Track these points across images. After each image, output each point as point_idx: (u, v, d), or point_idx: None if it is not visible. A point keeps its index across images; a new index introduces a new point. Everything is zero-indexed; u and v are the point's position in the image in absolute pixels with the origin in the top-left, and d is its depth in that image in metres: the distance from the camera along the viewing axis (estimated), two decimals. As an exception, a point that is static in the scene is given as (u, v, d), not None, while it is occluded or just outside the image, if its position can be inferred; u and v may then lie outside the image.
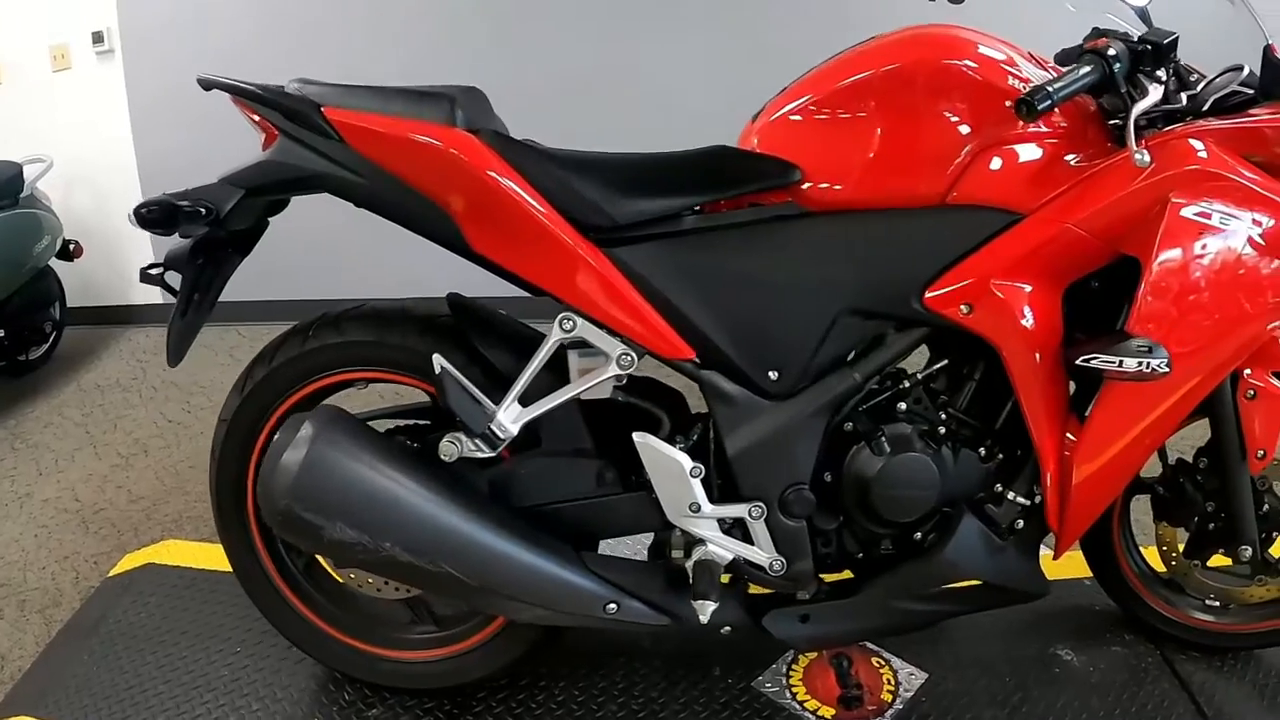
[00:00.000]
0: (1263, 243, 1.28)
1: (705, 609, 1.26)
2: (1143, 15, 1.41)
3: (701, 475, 1.29)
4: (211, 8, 3.22)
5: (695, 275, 1.25)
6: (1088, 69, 1.17)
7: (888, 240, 1.25)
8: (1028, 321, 1.26)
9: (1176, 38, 1.26)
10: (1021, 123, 1.17)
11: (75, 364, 3.31)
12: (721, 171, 1.26)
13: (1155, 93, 1.21)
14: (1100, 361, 1.22)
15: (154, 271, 1.34)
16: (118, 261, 3.59)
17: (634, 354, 1.25)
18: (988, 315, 1.25)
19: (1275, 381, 1.44)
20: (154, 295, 3.25)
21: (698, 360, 1.27)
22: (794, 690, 1.57)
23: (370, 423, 1.36)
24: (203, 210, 1.27)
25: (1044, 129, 1.27)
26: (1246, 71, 1.34)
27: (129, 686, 1.53)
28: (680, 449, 1.29)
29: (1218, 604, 1.68)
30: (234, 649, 1.59)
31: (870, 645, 1.66)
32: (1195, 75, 1.37)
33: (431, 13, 3.32)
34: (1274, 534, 1.58)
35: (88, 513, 2.24)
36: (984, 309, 1.25)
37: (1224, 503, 1.52)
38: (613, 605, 1.29)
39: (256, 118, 1.30)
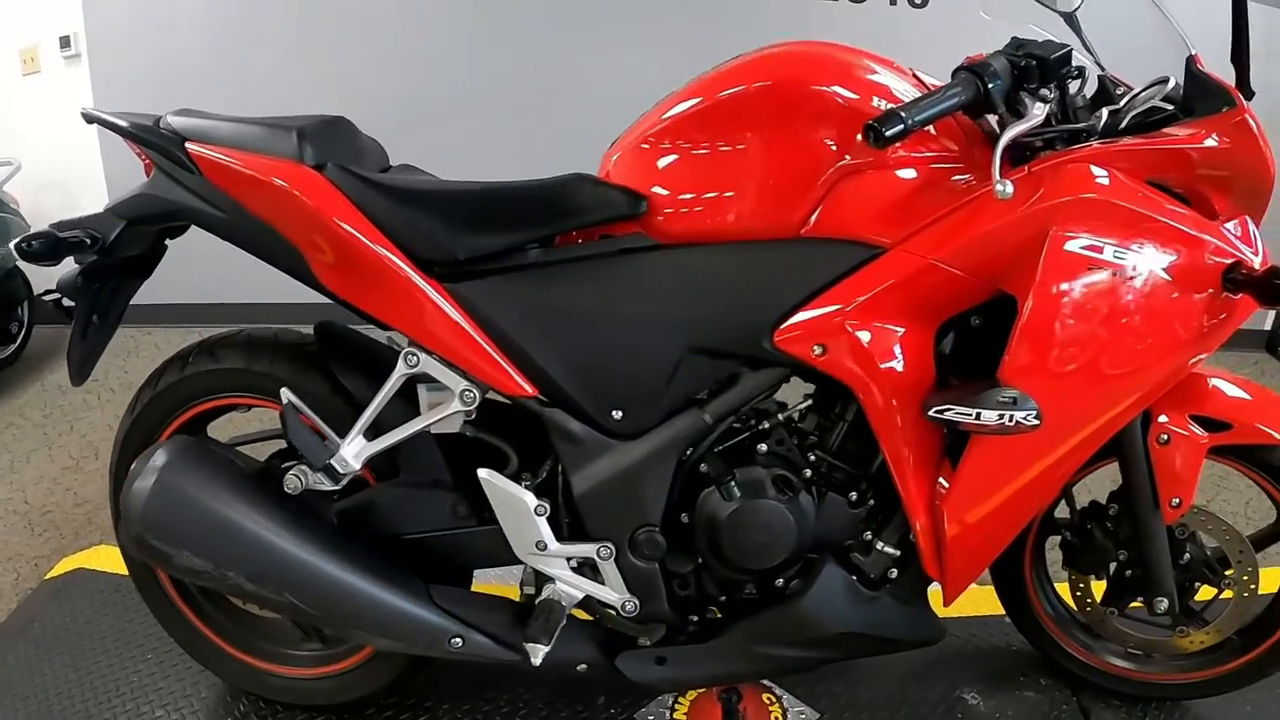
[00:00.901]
0: (1168, 277, 1.18)
1: (536, 652, 1.25)
2: (1071, 23, 1.32)
3: (546, 514, 1.27)
4: (177, 13, 3.28)
5: (536, 310, 1.23)
6: (955, 89, 1.09)
7: (736, 275, 1.20)
8: (888, 364, 1.19)
9: (1069, 51, 1.16)
10: (886, 149, 1.08)
11: (41, 364, 3.37)
12: (568, 202, 1.23)
13: (1036, 113, 1.11)
14: (955, 414, 1.15)
15: (49, 299, 1.40)
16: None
17: (476, 390, 1.24)
18: (842, 357, 1.19)
19: (1194, 426, 1.34)
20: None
21: (541, 397, 1.25)
22: (674, 722, 1.55)
23: (265, 443, 1.39)
24: (87, 240, 1.31)
25: (917, 154, 1.19)
26: (1171, 85, 1.24)
27: (45, 690, 1.60)
28: (527, 486, 1.27)
29: (1140, 652, 1.58)
30: (145, 656, 1.66)
31: (765, 680, 1.62)
32: (1122, 89, 1.28)
33: (401, 13, 3.32)
34: (1196, 584, 1.48)
35: (35, 515, 2.31)
36: (838, 350, 1.18)
37: (1137, 553, 1.43)
38: (458, 640, 1.29)
39: (137, 150, 1.34)
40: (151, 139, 1.28)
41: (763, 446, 1.29)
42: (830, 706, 1.59)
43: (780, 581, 1.33)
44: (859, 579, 1.32)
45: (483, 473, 1.26)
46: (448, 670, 1.60)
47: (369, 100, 3.24)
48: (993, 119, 1.20)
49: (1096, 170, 1.17)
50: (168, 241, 1.44)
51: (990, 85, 1.10)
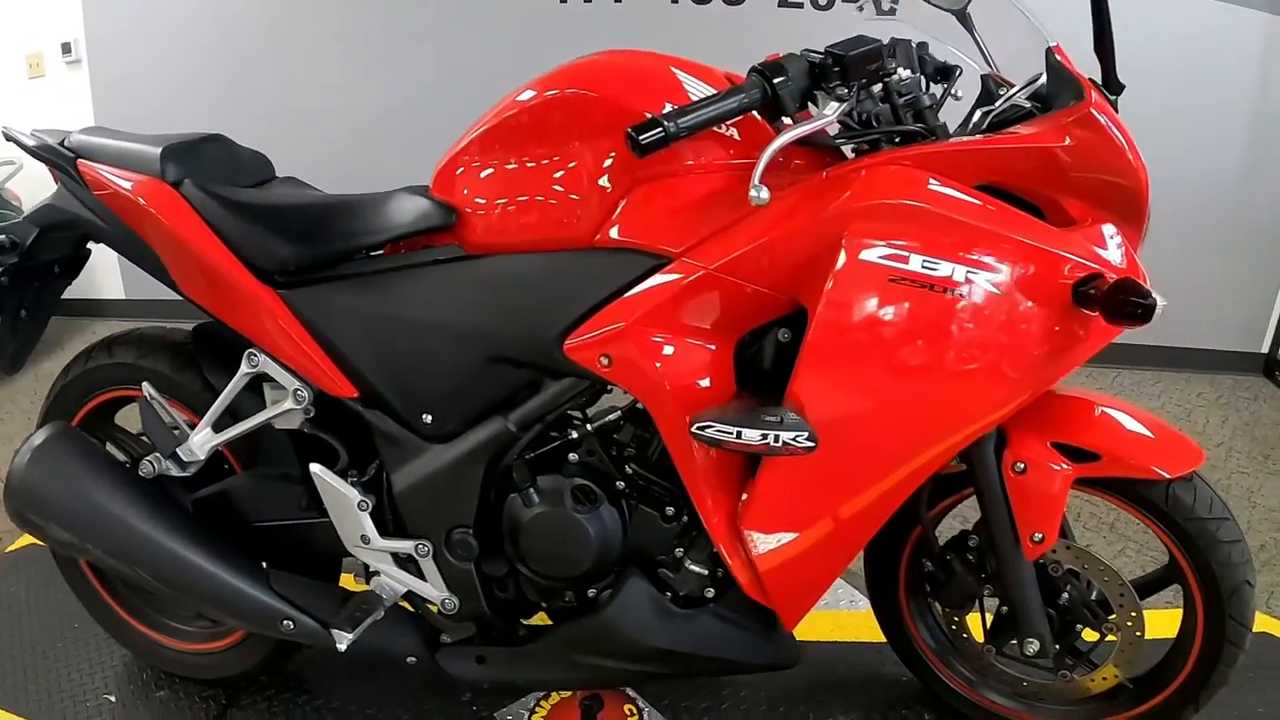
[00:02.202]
0: (996, 290, 1.09)
1: (341, 639, 1.30)
2: (964, 21, 1.25)
3: (369, 509, 1.33)
4: (174, 19, 3.38)
5: (356, 316, 1.29)
6: (737, 93, 1.04)
7: (531, 285, 1.21)
8: (677, 377, 1.17)
9: (876, 49, 1.09)
10: (646, 156, 1.03)
11: (38, 353, 3.43)
12: (390, 215, 1.28)
13: (826, 114, 1.05)
14: (716, 432, 1.10)
15: None
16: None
17: (306, 391, 1.32)
18: (627, 368, 1.17)
19: (1056, 455, 1.25)
20: (118, 290, 3.53)
21: (361, 399, 1.32)
22: (533, 728, 1.58)
23: None
24: (7, 244, 1.48)
25: (719, 161, 1.15)
26: (1042, 81, 1.17)
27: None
28: (353, 482, 1.34)
29: (1030, 694, 1.49)
30: (73, 625, 1.81)
31: (631, 691, 1.63)
32: (1004, 88, 1.21)
33: (394, 12, 3.32)
34: (1077, 625, 1.39)
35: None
36: (623, 361, 1.16)
37: (1002, 590, 1.36)
38: (289, 623, 1.37)
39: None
40: (51, 157, 1.42)
41: (573, 456, 1.30)
42: (691, 724, 1.58)
43: (593, 592, 1.34)
44: (671, 596, 1.31)
45: (313, 467, 1.34)
46: (330, 656, 1.69)
47: (362, 104, 3.31)
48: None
49: (904, 173, 1.09)
50: (91, 246, 1.60)
51: (779, 86, 1.04)
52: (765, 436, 1.09)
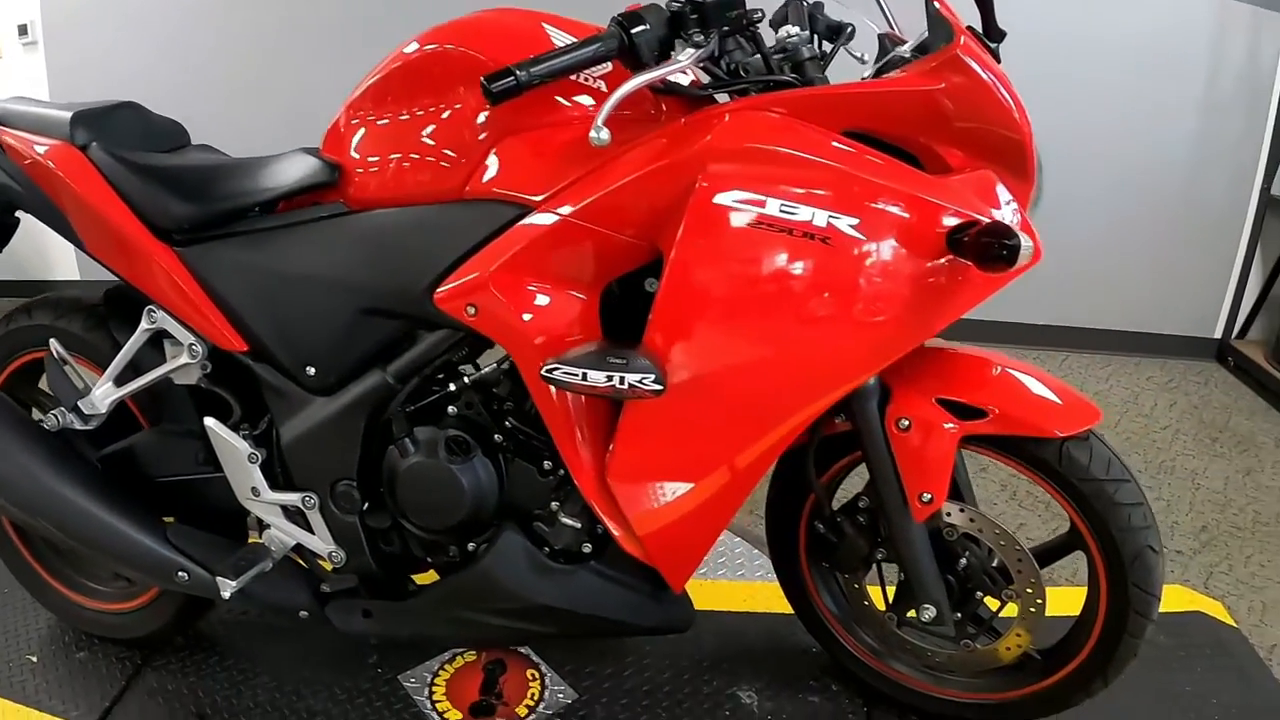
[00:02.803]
0: (861, 236, 1.07)
1: (225, 586, 1.33)
2: None
3: (259, 461, 1.36)
4: (132, 1, 3.35)
5: (246, 272, 1.32)
6: (593, 41, 1.05)
7: (403, 237, 1.23)
8: (539, 325, 1.17)
9: None
10: (501, 103, 1.04)
11: None
12: (280, 173, 1.31)
13: (680, 59, 1.05)
14: (562, 374, 1.11)
15: None
16: (39, 241, 3.77)
17: (201, 345, 1.36)
18: (491, 318, 1.18)
19: (942, 412, 1.22)
20: (72, 271, 3.52)
21: (250, 353, 1.35)
22: (434, 689, 1.58)
23: None
24: None
25: (583, 111, 1.16)
26: (925, 33, 1.17)
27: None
28: (245, 436, 1.37)
29: (938, 664, 1.46)
30: (3, 590, 1.85)
31: (535, 656, 1.64)
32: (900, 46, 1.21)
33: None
34: (977, 593, 1.37)
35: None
36: (487, 311, 1.18)
37: (894, 554, 1.35)
38: (183, 574, 1.40)
39: None
40: None
41: (452, 409, 1.31)
42: (593, 690, 1.58)
43: (472, 546, 1.36)
44: (549, 551, 1.32)
45: (208, 421, 1.37)
46: (235, 624, 1.73)
47: (320, 85, 3.28)
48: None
49: (764, 118, 1.09)
50: (20, 216, 1.65)
51: (636, 35, 1.05)
52: (611, 379, 1.09)
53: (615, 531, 1.27)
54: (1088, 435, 1.26)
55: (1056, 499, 1.30)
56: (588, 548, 1.33)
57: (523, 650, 1.66)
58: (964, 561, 1.35)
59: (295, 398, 1.34)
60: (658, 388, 1.10)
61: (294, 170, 1.30)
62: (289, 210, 1.34)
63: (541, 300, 1.18)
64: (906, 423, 1.23)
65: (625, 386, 1.10)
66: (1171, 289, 2.99)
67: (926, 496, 1.25)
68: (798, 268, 1.09)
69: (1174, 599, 1.84)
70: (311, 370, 1.32)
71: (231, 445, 1.36)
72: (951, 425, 1.22)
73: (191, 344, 1.36)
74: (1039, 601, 1.34)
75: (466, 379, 1.31)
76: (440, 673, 1.62)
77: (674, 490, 1.23)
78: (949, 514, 1.34)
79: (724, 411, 1.18)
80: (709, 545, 1.31)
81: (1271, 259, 2.98)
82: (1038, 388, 1.27)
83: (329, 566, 1.41)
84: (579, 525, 1.30)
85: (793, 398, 1.18)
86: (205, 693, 1.59)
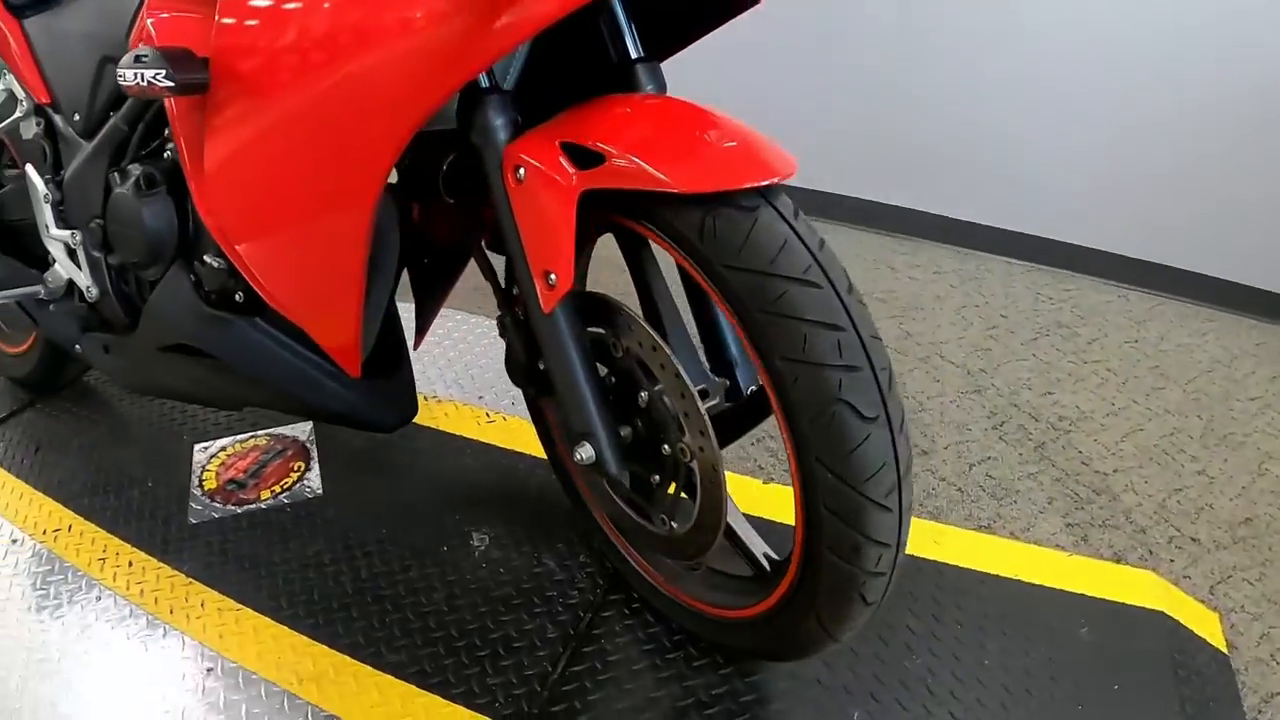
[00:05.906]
0: None
1: None
2: None
3: (50, 201, 1.53)
4: None
5: (50, 36, 1.47)
6: None
7: None
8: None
9: None
10: None
11: None
12: None
13: None
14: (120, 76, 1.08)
15: None
16: None
17: (29, 101, 1.57)
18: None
19: (565, 157, 0.92)
20: None
21: (51, 104, 1.53)
22: (214, 459, 1.67)
23: None
24: None
25: None
26: None
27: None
28: (48, 180, 1.55)
29: (661, 546, 1.17)
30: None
31: (315, 453, 1.68)
32: None
33: None
34: (662, 438, 1.08)
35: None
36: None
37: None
38: None
39: None
40: None
41: (167, 152, 1.33)
42: (337, 492, 1.58)
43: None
44: (207, 295, 1.31)
45: (27, 167, 1.58)
46: (87, 397, 1.94)
47: None
48: None
49: None
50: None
51: None
52: (136, 76, 1.07)
53: (246, 274, 1.20)
54: (757, 202, 0.90)
55: (724, 311, 0.94)
56: (240, 296, 1.29)
57: (309, 446, 1.71)
58: (647, 392, 1.07)
59: (72, 142, 1.48)
60: (169, 84, 1.06)
61: None
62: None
63: (176, 28, 1.18)
64: (523, 172, 0.97)
65: (144, 82, 1.06)
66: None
67: (552, 277, 0.99)
68: None
69: (1133, 585, 1.43)
70: (77, 116, 1.47)
71: (37, 187, 1.55)
72: (572, 175, 0.92)
73: (22, 99, 1.57)
74: (715, 469, 1.01)
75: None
76: (229, 447, 1.71)
77: (263, 224, 1.16)
78: (614, 335, 1.07)
79: (280, 131, 1.07)
80: (348, 304, 1.13)
81: None
82: (693, 131, 0.92)
83: (90, 300, 1.54)
84: (220, 265, 1.27)
85: (352, 121, 0.99)
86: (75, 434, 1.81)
